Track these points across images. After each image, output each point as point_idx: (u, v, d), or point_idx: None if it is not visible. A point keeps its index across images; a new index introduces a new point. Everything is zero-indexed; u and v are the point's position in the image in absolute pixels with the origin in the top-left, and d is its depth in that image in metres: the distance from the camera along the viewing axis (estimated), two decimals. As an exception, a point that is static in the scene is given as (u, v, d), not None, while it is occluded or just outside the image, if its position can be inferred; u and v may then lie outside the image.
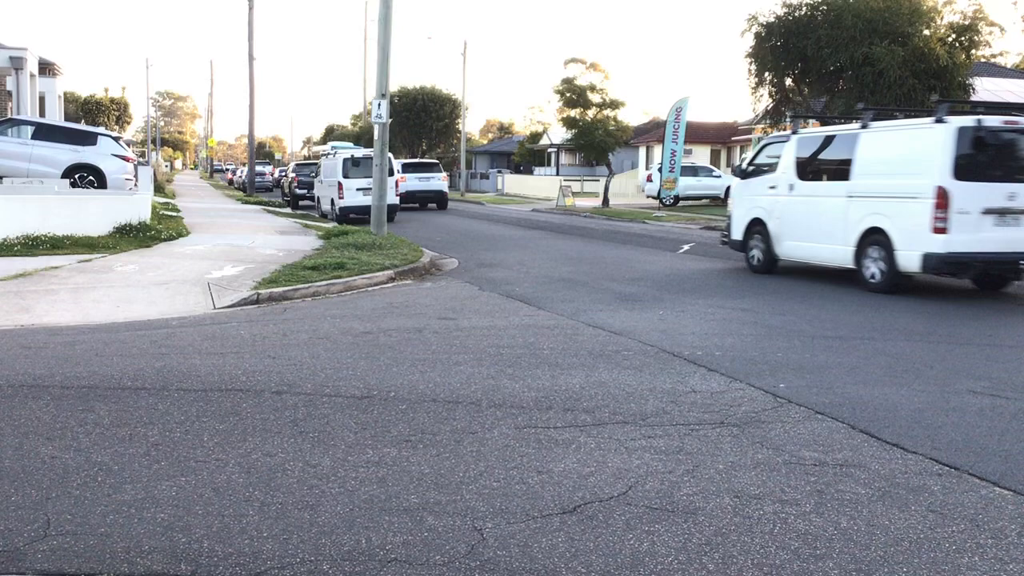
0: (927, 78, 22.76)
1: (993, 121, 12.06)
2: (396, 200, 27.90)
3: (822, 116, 26.31)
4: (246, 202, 38.18)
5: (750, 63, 25.17)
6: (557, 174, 57.87)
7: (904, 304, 11.54)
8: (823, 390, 6.60)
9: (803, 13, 24.18)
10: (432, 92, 59.32)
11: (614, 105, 38.77)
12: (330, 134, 75.64)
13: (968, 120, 11.99)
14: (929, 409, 6.13)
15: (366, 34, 64.13)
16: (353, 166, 28.00)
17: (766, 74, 25.17)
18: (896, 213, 12.29)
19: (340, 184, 27.86)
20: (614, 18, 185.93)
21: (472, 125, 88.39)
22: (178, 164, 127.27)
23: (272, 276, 12.82)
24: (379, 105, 19.77)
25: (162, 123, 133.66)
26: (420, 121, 58.34)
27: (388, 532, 3.94)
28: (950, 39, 24.07)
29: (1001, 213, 11.74)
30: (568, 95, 38.58)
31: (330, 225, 23.70)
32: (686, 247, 20.39)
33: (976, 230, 11.68)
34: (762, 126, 30.50)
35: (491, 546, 3.80)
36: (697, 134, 51.53)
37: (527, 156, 63.73)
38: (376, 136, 19.93)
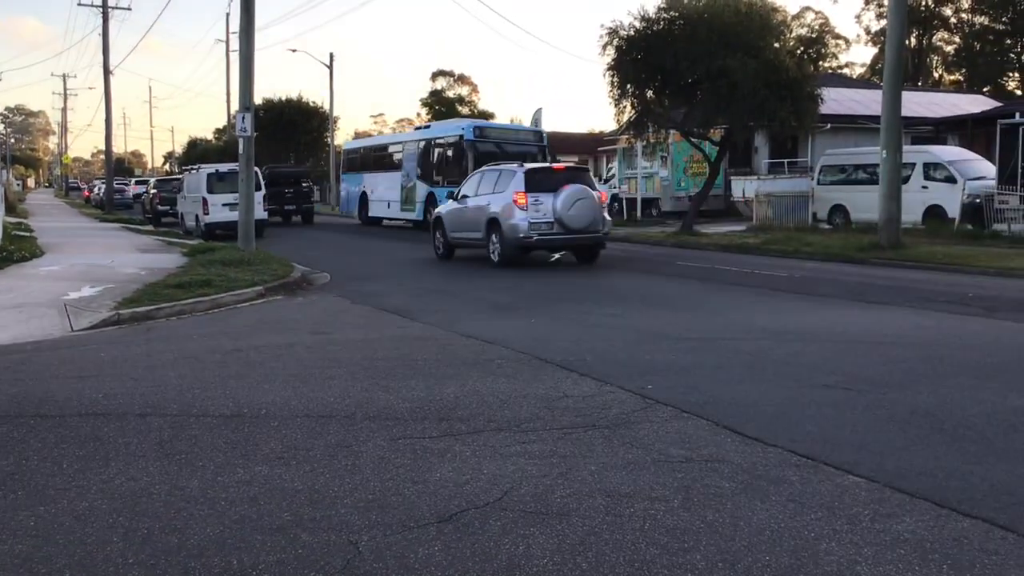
0: (779, 89, 23.77)
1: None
2: (264, 215, 27.28)
3: (682, 127, 27.24)
4: (105, 220, 36.77)
5: (612, 76, 25.76)
6: (428, 186, 57.66)
7: (765, 304, 12.03)
8: (689, 390, 6.82)
9: (661, 27, 24.91)
10: (299, 104, 58.39)
11: (484, 116, 39.09)
12: (193, 148, 73.47)
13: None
14: (787, 404, 6.41)
15: (228, 46, 62.65)
16: (218, 180, 27.31)
17: (628, 86, 25.79)
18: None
19: (205, 200, 27.12)
20: (483, 30, 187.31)
21: (341, 137, 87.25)
22: (31, 182, 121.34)
23: (134, 296, 12.37)
24: (243, 118, 19.37)
25: (13, 140, 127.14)
26: (288, 134, 57.31)
27: (261, 551, 3.87)
28: (799, 51, 25.28)
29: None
30: (437, 107, 38.74)
31: (195, 242, 23.02)
32: (556, 255, 20.68)
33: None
34: (626, 137, 31.24)
35: (367, 559, 3.78)
36: (565, 144, 52.38)
37: (398, 168, 63.34)
38: (241, 150, 19.51)
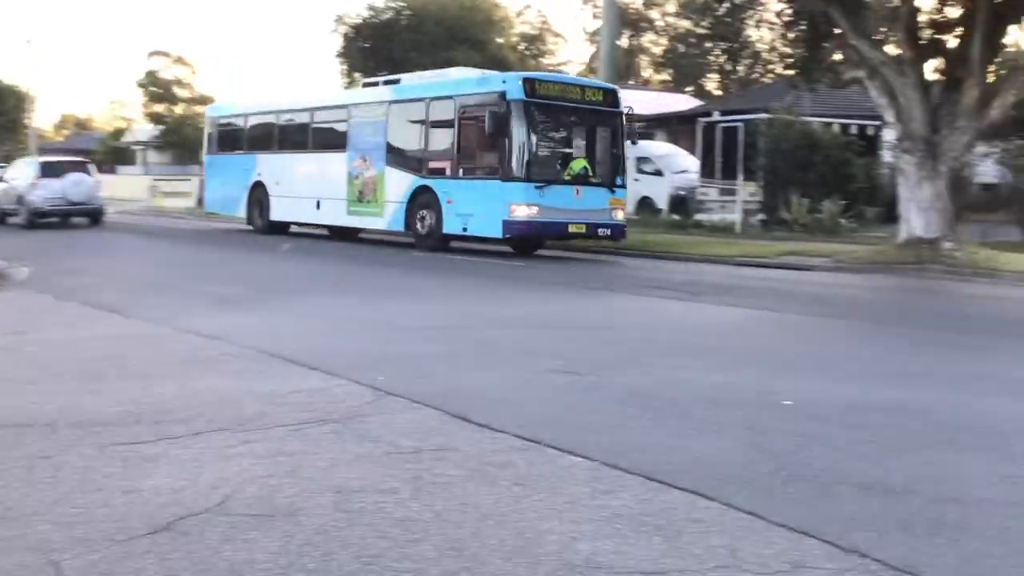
0: (503, 83, 24.53)
1: None
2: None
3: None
4: None
5: (341, 62, 25.55)
6: (146, 173, 54.43)
7: (495, 293, 12.34)
8: (421, 379, 6.84)
9: (388, 17, 25.00)
10: (-8, 83, 53.14)
11: (203, 100, 37.37)
12: None
13: None
14: (514, 390, 6.59)
15: (-95, 14, 55.72)
16: None
17: (356, 74, 25.69)
18: None
19: None
20: (205, 12, 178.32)
21: (45, 120, 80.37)
22: None
23: None
24: (-77, 95, 17.29)
25: None
26: (-21, 115, 51.96)
27: (-59, 582, 3.44)
28: (521, 47, 26.25)
29: None
30: (153, 89, 36.57)
31: None
32: (288, 246, 20.18)
33: None
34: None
35: (70, 580, 3.46)
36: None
37: (111, 154, 59.28)
38: (-79, 130, 17.39)
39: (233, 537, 3.87)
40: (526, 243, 18.82)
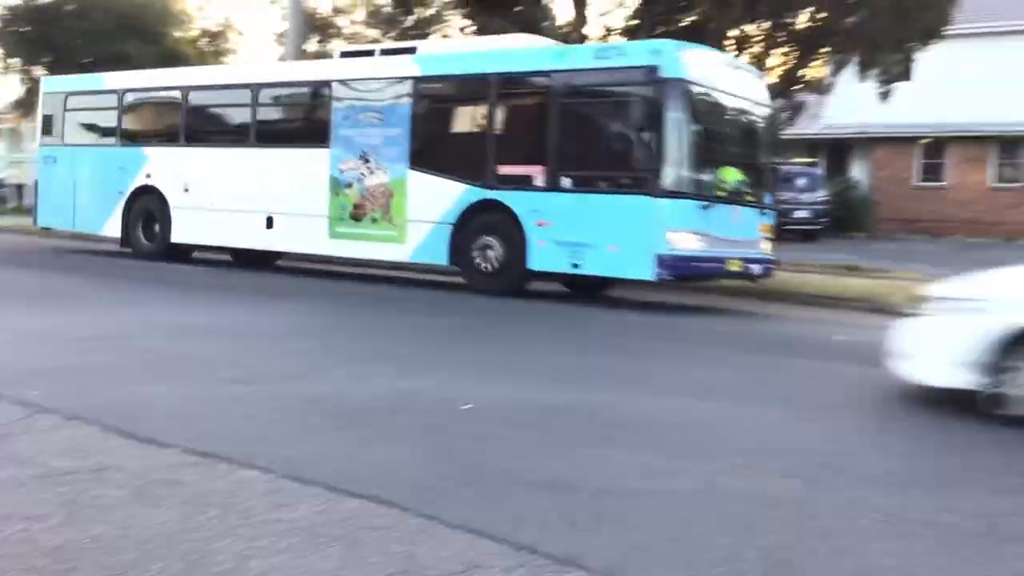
0: (181, 77, 23.58)
1: None
2: None
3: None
4: None
5: (-3, 46, 23.33)
6: None
7: (165, 300, 11.66)
8: (79, 394, 6.28)
9: (50, 1, 23.28)
10: None
11: None
12: None
13: None
14: (187, 401, 6.24)
15: None
16: None
17: (12, 60, 23.60)
18: None
19: None
20: None
21: None
22: None
23: None
24: None
25: None
26: None
27: None
28: (201, 42, 25.41)
29: None
30: None
31: None
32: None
33: None
34: (15, 115, 28.44)
35: None
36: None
37: None
38: None
39: None
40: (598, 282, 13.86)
